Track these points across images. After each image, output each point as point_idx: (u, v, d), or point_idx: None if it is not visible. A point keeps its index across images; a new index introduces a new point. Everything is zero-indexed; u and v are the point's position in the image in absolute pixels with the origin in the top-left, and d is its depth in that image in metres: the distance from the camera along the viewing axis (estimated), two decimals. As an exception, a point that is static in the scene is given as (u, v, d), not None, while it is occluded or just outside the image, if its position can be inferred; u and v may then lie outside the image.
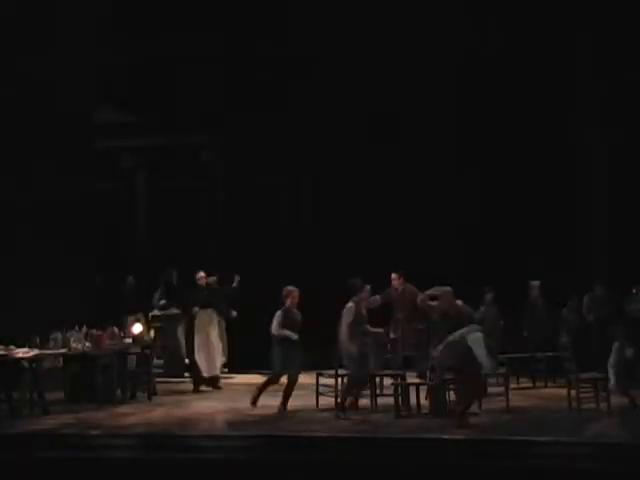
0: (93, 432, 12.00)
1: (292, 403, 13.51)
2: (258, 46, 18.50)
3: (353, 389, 12.98)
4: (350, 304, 12.89)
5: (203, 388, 15.70)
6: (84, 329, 14.44)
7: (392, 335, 14.46)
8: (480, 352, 11.99)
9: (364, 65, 17.89)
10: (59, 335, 14.21)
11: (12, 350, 13.51)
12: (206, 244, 18.92)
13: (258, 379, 16.42)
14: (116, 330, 14.92)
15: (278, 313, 13.32)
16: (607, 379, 12.96)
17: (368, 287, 13.42)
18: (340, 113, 18.07)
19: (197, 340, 15.71)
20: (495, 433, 11.55)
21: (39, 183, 16.36)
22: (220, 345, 16.09)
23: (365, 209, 18.04)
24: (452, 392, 13.20)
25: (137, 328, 15.40)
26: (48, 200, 16.35)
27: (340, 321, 12.87)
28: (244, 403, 14.05)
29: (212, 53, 18.80)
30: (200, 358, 15.63)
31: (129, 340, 15.01)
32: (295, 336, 13.15)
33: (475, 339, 12.06)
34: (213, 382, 15.81)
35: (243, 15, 18.43)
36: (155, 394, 14.87)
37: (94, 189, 17.89)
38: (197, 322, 15.79)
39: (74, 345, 14.14)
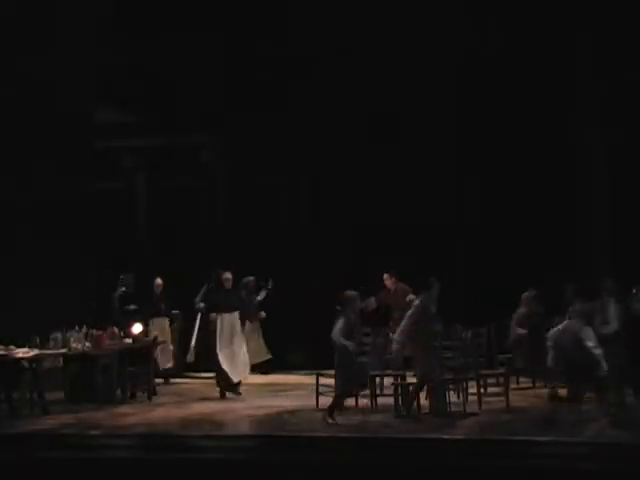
0: (93, 432, 12.01)
1: (292, 403, 13.52)
2: (258, 46, 18.48)
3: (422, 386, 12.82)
4: (417, 301, 12.70)
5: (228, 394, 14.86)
6: (84, 329, 14.45)
7: (391, 335, 14.42)
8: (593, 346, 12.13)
9: (364, 65, 17.87)
10: (59, 335, 14.21)
11: (12, 350, 13.52)
12: (206, 244, 18.90)
13: (258, 379, 16.45)
14: (116, 330, 14.92)
15: (341, 320, 12.30)
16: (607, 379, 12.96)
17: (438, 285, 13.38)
18: (340, 113, 18.05)
19: (219, 345, 14.87)
20: (495, 433, 11.55)
21: (39, 183, 16.38)
22: (243, 349, 15.09)
23: (365, 209, 18.03)
24: (452, 392, 13.22)
25: (137, 328, 15.37)
26: (48, 200, 16.36)
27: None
28: (244, 403, 14.05)
29: (212, 53, 18.78)
30: (225, 364, 14.80)
31: (129, 340, 15.03)
32: (352, 347, 12.29)
33: (586, 332, 12.13)
34: (235, 388, 14.91)
35: (243, 15, 18.41)
36: (155, 394, 14.86)
37: (94, 189, 17.90)
38: (219, 326, 14.92)
39: (74, 345, 14.15)
